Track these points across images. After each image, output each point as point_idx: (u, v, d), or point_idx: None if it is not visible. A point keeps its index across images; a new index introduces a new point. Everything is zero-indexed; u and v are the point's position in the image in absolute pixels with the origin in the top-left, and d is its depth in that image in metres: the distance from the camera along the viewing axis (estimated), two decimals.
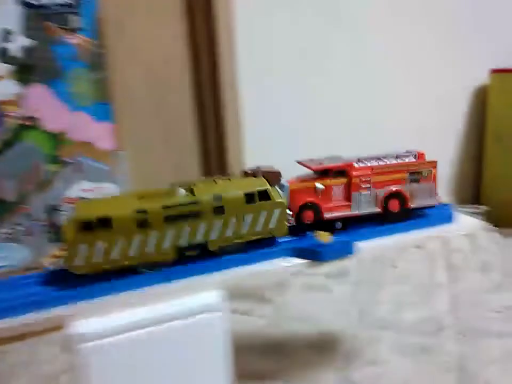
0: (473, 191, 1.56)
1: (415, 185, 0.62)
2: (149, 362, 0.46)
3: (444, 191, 1.08)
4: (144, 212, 0.48)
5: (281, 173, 0.58)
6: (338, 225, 0.60)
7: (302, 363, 0.80)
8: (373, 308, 0.96)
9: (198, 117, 1.12)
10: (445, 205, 0.64)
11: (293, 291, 1.06)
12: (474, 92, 1.49)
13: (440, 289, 1.02)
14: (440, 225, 0.61)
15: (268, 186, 0.54)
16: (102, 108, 0.99)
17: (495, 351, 0.80)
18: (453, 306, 0.95)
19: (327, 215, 0.59)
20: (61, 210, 0.99)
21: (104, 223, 0.47)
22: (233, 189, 0.53)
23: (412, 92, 1.39)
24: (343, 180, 0.60)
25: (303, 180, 0.61)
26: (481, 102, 1.48)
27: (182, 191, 0.52)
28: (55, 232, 0.99)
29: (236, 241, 0.53)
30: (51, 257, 0.98)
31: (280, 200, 0.54)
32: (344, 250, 0.53)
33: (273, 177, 0.57)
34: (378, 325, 0.90)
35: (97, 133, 0.99)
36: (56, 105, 0.95)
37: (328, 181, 0.60)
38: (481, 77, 1.45)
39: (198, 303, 0.47)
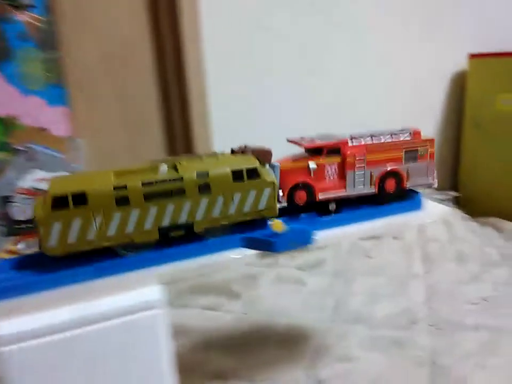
0: (451, 178, 1.55)
1: (411, 163, 0.59)
2: (80, 367, 0.41)
3: None
4: (123, 188, 0.45)
5: (271, 151, 0.55)
6: (332, 206, 0.57)
7: (269, 361, 0.77)
8: (346, 301, 0.93)
9: (162, 99, 1.06)
10: (414, 191, 0.60)
11: (264, 284, 1.03)
12: (453, 77, 1.47)
13: (416, 280, 1.00)
14: (408, 213, 0.58)
15: (257, 164, 0.51)
16: (56, 91, 0.93)
17: (470, 345, 0.78)
18: (428, 298, 0.93)
19: (321, 196, 0.56)
20: (13, 202, 0.93)
21: (80, 199, 0.44)
22: (219, 166, 0.49)
23: (391, 77, 1.38)
24: (336, 159, 0.57)
25: (294, 159, 0.58)
26: (459, 87, 1.47)
27: (165, 167, 0.49)
28: (7, 225, 0.93)
29: (223, 222, 0.50)
30: (4, 252, 0.92)
31: (270, 179, 0.51)
32: (301, 240, 0.48)
33: (263, 155, 0.53)
34: (351, 318, 0.87)
35: (51, 118, 0.93)
36: (6, 88, 0.89)
37: (321, 160, 0.57)
38: (460, 62, 1.43)
39: (134, 300, 0.42)
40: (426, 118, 1.47)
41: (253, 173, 0.50)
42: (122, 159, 1.01)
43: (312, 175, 0.56)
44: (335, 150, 0.57)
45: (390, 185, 0.59)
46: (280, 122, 1.20)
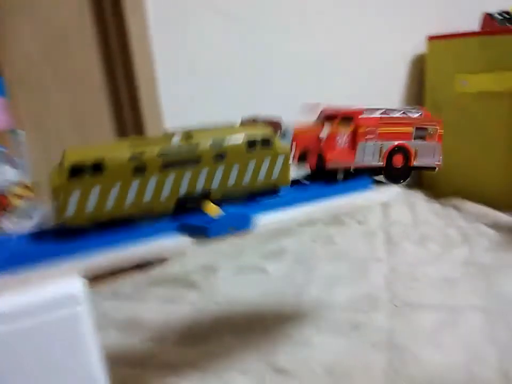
0: None
1: (420, 142, 0.61)
2: None
3: None
4: (141, 157, 0.45)
5: (281, 122, 0.56)
6: (340, 176, 0.59)
7: (228, 351, 0.77)
8: (308, 287, 0.93)
9: (108, 84, 1.02)
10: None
11: (225, 274, 1.02)
12: (413, 60, 1.48)
13: (378, 264, 1.01)
14: (358, 193, 0.58)
15: (271, 133, 0.52)
16: None
17: (429, 326, 0.79)
18: (390, 280, 0.94)
19: (330, 164, 0.57)
20: None
21: (98, 168, 0.44)
22: (234, 135, 0.50)
23: (349, 62, 1.37)
24: (349, 128, 0.58)
25: (306, 126, 0.59)
26: (419, 70, 1.47)
27: (178, 137, 0.49)
28: None
29: (238, 191, 0.51)
30: None
31: (284, 148, 0.52)
32: (238, 225, 0.47)
33: (274, 126, 0.55)
34: (312, 304, 0.87)
35: None
36: None
37: (334, 127, 0.58)
38: (419, 45, 1.44)
39: (52, 295, 0.38)
40: (386, 102, 1.47)
41: (267, 142, 0.51)
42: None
43: (323, 139, 0.57)
44: (348, 118, 0.59)
45: (398, 160, 0.60)
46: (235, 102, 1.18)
